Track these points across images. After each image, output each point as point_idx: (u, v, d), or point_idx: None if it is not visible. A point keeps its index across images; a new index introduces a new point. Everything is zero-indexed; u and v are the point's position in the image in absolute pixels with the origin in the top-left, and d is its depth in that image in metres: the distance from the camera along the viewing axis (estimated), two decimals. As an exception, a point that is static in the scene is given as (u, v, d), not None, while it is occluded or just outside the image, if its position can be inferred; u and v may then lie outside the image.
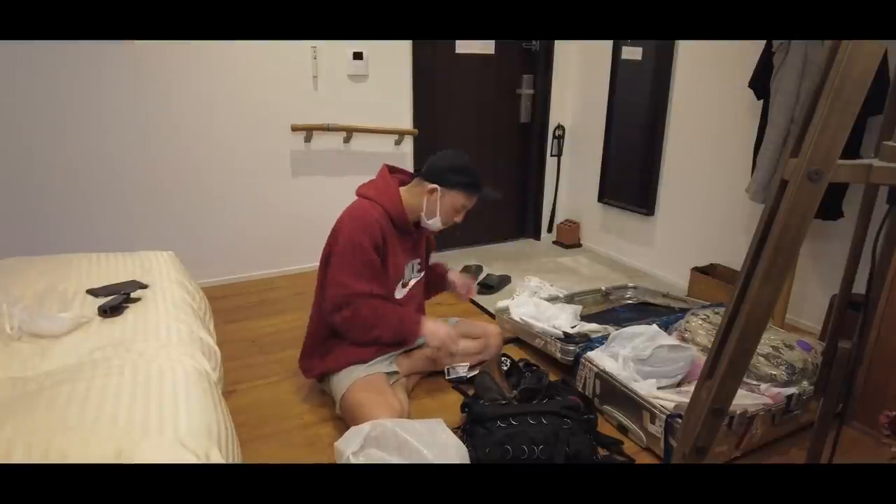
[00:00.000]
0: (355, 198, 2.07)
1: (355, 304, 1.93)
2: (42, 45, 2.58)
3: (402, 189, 2.06)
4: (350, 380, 1.95)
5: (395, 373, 2.06)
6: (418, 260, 2.19)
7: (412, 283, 2.16)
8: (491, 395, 1.96)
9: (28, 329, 1.45)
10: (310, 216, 3.35)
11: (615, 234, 3.78)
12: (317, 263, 3.39)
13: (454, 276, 2.37)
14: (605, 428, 1.98)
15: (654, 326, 2.15)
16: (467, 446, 1.67)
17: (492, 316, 2.79)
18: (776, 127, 2.40)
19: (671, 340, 2.09)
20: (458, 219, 2.09)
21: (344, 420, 1.96)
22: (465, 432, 1.82)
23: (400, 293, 2.10)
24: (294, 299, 3.04)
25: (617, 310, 2.82)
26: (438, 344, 2.04)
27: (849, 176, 0.83)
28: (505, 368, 2.27)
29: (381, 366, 2.03)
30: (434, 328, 2.04)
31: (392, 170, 2.14)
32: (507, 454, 1.68)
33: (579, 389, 2.11)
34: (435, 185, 2.02)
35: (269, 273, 3.34)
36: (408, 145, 3.47)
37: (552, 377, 2.21)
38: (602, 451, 1.84)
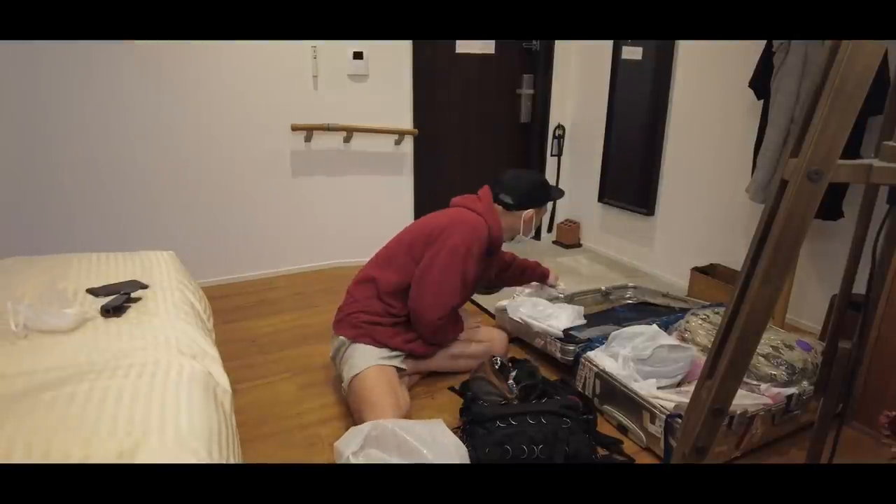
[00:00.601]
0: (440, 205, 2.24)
1: (448, 316, 2.10)
2: (43, 46, 2.58)
3: (499, 216, 2.22)
4: (366, 363, 1.98)
5: (403, 370, 2.09)
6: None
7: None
8: (491, 397, 1.96)
9: (34, 326, 1.45)
10: (310, 216, 3.35)
11: (615, 234, 3.78)
12: (316, 263, 3.43)
13: (552, 278, 2.70)
14: (605, 428, 1.98)
15: (654, 326, 2.15)
16: (467, 446, 1.67)
17: (492, 316, 2.78)
18: (776, 127, 2.40)
19: (671, 340, 2.09)
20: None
21: (346, 400, 2.02)
22: (464, 432, 1.82)
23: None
24: (293, 299, 3.04)
25: (617, 309, 2.82)
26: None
27: (849, 176, 0.83)
28: (497, 367, 2.27)
29: (396, 360, 2.07)
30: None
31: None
32: (507, 454, 1.67)
33: (579, 389, 2.11)
34: (531, 210, 2.25)
35: (269, 273, 3.34)
36: (408, 145, 3.47)
37: (552, 377, 2.22)
38: (602, 451, 1.84)
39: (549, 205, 2.36)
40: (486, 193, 2.23)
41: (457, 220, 2.11)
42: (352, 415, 1.99)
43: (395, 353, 2.07)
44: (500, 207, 2.22)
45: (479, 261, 2.14)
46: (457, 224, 2.09)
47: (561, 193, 2.40)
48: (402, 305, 2.09)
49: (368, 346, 2.03)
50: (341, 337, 2.08)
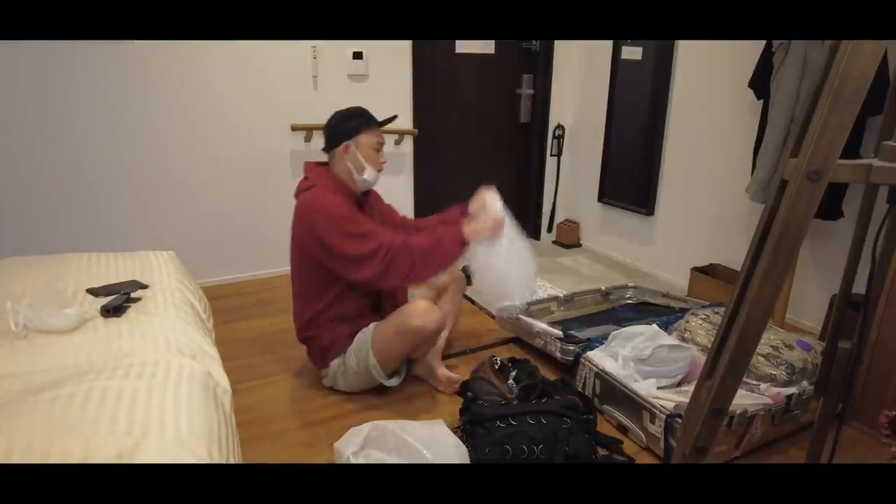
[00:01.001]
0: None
1: (388, 253, 1.91)
2: (42, 45, 2.58)
3: (329, 172, 2.13)
4: (367, 333, 2.05)
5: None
6: None
7: None
8: (491, 397, 1.96)
9: (34, 326, 1.45)
10: (310, 216, 3.35)
11: (615, 234, 3.78)
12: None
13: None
14: (604, 428, 1.98)
15: (654, 326, 2.15)
16: (467, 446, 1.67)
17: (492, 316, 2.79)
18: (776, 127, 2.40)
19: (671, 340, 2.09)
20: (383, 158, 2.15)
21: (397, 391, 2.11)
22: (464, 432, 1.82)
23: None
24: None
25: (617, 309, 2.82)
26: (493, 229, 2.00)
27: (849, 176, 0.83)
28: (497, 367, 2.27)
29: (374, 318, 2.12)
30: (477, 228, 2.00)
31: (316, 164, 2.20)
32: (507, 454, 1.67)
33: (579, 389, 2.11)
34: (345, 143, 2.08)
35: (269, 273, 3.34)
36: (408, 145, 3.47)
37: (552, 377, 2.22)
38: (602, 451, 1.84)
39: (374, 139, 2.13)
40: (306, 167, 2.19)
41: (303, 209, 2.06)
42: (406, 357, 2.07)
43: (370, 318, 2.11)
44: (331, 161, 2.15)
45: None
46: (306, 210, 2.04)
47: (389, 118, 2.20)
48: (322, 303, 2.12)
49: (354, 343, 2.07)
50: (333, 363, 2.12)
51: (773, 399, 1.86)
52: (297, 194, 2.14)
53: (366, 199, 2.20)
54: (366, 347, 2.04)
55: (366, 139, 2.11)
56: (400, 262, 1.92)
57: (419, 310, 1.99)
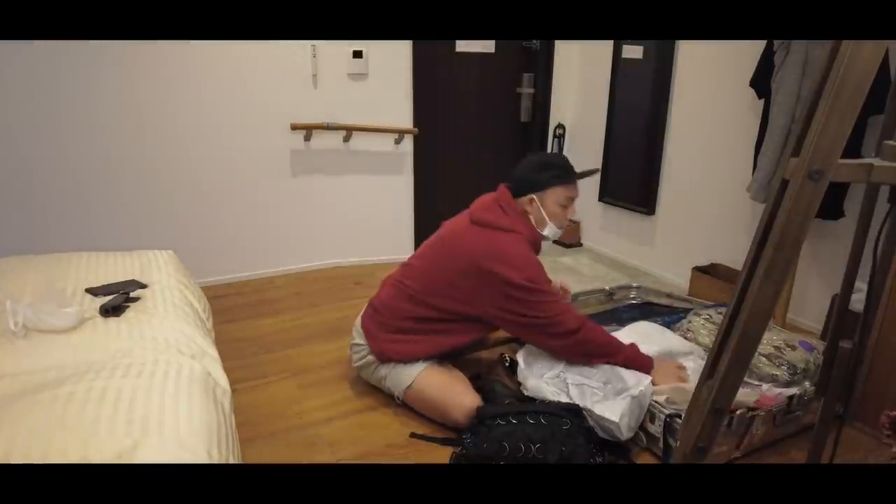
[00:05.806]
0: (461, 218, 2.03)
1: (584, 329, 1.89)
2: (42, 44, 2.57)
3: (525, 215, 2.01)
4: (416, 370, 1.97)
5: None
6: None
7: None
8: (502, 400, 1.96)
9: (34, 326, 1.45)
10: (309, 215, 3.35)
11: (616, 234, 3.78)
12: (315, 263, 3.43)
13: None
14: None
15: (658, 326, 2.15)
16: (468, 443, 1.67)
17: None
18: (777, 126, 2.40)
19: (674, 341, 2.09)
20: (570, 214, 2.03)
21: (409, 406, 2.03)
22: (470, 431, 1.82)
23: None
24: (293, 298, 3.04)
25: (620, 309, 2.82)
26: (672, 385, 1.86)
27: (850, 175, 0.83)
28: (507, 365, 2.26)
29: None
30: (666, 370, 1.91)
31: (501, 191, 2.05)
32: (504, 450, 1.68)
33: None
34: (531, 195, 1.97)
35: (269, 272, 3.34)
36: (408, 144, 3.47)
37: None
38: (610, 458, 1.80)
39: (564, 194, 1.97)
40: (507, 198, 2.00)
41: (496, 255, 1.87)
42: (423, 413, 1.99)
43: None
44: (516, 203, 2.02)
45: None
46: (503, 259, 1.86)
47: (590, 172, 2.06)
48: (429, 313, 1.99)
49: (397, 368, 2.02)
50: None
51: (772, 399, 1.85)
52: (483, 221, 1.95)
53: (538, 250, 2.07)
54: (401, 384, 1.98)
55: (555, 194, 1.96)
56: (597, 341, 1.90)
57: (467, 408, 1.87)
